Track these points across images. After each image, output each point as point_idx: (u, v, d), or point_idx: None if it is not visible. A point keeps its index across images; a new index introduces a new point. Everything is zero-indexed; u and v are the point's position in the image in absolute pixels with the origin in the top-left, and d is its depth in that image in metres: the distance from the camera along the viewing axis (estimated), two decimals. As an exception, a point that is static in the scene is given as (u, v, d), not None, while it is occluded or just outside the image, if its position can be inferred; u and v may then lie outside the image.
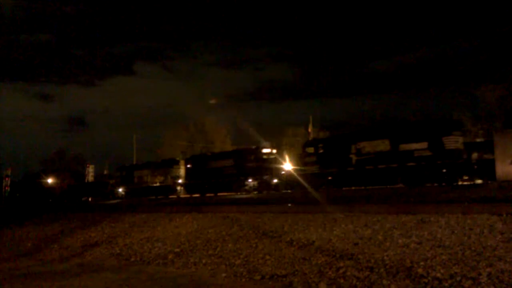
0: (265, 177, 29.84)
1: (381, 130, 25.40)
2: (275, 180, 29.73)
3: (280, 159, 31.94)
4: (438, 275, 6.36)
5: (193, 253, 10.40)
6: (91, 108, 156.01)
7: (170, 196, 34.90)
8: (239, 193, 29.61)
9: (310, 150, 27.63)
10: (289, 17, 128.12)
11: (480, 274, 6.14)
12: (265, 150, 31.26)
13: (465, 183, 20.95)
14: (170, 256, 10.52)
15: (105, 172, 57.70)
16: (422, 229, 8.87)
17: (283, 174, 30.13)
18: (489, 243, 7.43)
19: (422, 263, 6.94)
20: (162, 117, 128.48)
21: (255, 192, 28.93)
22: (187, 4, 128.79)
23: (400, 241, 8.35)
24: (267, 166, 30.15)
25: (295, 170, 28.63)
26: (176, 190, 36.43)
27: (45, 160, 68.70)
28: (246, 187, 30.23)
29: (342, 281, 6.88)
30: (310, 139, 38.19)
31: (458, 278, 6.13)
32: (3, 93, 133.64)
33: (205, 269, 9.06)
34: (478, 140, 23.98)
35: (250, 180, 30.20)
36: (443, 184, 20.42)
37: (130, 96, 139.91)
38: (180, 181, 36.64)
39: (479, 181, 21.21)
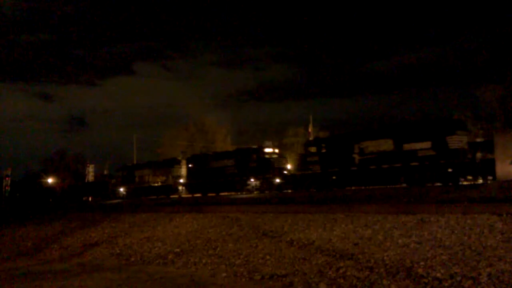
0: (267, 176, 29.77)
1: (385, 130, 25.19)
2: (278, 180, 29.66)
3: (282, 158, 31.89)
4: (438, 275, 6.36)
5: (193, 253, 10.40)
6: (91, 108, 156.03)
7: (172, 196, 34.87)
8: (239, 193, 29.55)
9: (313, 149, 27.45)
10: (290, 17, 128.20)
11: (480, 274, 6.14)
12: (267, 150, 31.14)
13: (466, 183, 20.91)
14: (170, 256, 10.53)
15: (105, 172, 57.60)
16: (422, 229, 8.88)
17: (285, 173, 30.06)
18: (489, 243, 7.43)
19: (422, 263, 6.95)
20: (162, 117, 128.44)
21: (257, 192, 28.86)
22: (187, 4, 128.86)
23: (400, 241, 8.35)
24: (269, 166, 30.06)
25: (297, 169, 28.55)
26: (178, 189, 36.37)
27: (46, 159, 68.66)
28: (248, 187, 30.10)
29: (342, 281, 6.88)
30: (310, 138, 38.12)
31: (458, 278, 6.13)
32: (3, 93, 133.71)
33: (205, 269, 9.07)
34: (478, 140, 23.88)
35: (252, 179, 30.10)
36: (450, 184, 20.33)
37: (130, 96, 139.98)
38: (181, 180, 36.58)
39: (479, 181, 21.18)
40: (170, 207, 18.74)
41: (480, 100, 36.74)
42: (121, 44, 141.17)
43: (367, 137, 24.75)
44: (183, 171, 36.58)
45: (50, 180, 54.42)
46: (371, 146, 24.19)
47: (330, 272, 7.31)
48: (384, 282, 6.49)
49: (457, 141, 21.19)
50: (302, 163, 27.95)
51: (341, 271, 7.26)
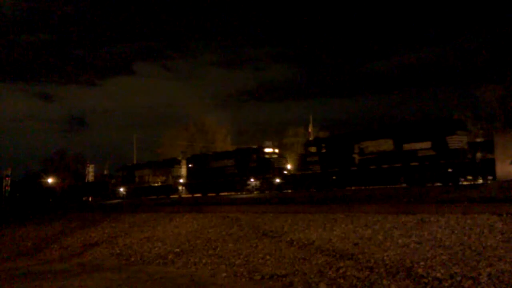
0: (267, 176, 29.74)
1: (385, 130, 25.17)
2: (278, 180, 29.63)
3: (282, 158, 31.87)
4: (438, 275, 6.36)
5: (193, 253, 10.40)
6: (91, 108, 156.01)
7: (172, 196, 34.86)
8: (239, 193, 29.54)
9: (313, 149, 27.42)
10: (290, 17, 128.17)
11: (480, 274, 6.14)
12: (267, 150, 31.11)
13: (466, 183, 20.90)
14: (170, 256, 10.53)
15: (105, 172, 57.58)
16: (422, 229, 8.88)
17: (285, 173, 30.04)
18: (489, 243, 7.43)
19: (422, 263, 6.95)
20: (162, 117, 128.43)
21: (257, 192, 28.84)
22: (187, 4, 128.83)
23: (400, 241, 8.35)
24: (269, 166, 30.03)
25: (297, 169, 28.53)
26: (178, 189, 36.36)
27: (46, 159, 68.63)
28: (248, 187, 30.07)
29: (342, 281, 6.88)
30: (310, 138, 38.09)
31: (458, 278, 6.13)
32: (3, 93, 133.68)
33: (205, 269, 9.07)
34: (478, 140, 23.86)
35: (252, 179, 30.08)
36: (450, 184, 20.31)
37: (130, 96, 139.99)
38: (181, 180, 36.57)
39: (479, 181, 21.16)
40: (170, 207, 18.74)
41: (480, 100, 36.74)
42: (121, 44, 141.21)
43: (367, 137, 24.75)
44: (183, 171, 36.56)
45: (50, 180, 54.42)
46: (371, 146, 24.19)
47: (330, 272, 7.31)
48: (384, 282, 6.49)
49: (457, 141, 21.18)
50: (302, 163, 27.93)
51: (341, 271, 7.26)
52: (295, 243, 9.52)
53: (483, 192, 13.54)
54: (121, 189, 41.67)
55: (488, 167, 20.24)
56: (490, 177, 20.68)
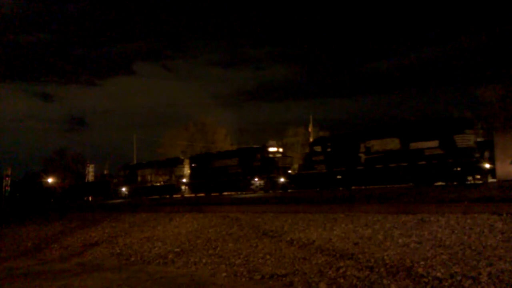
0: (272, 176, 29.56)
1: (391, 128, 24.91)
2: (282, 179, 29.45)
3: (286, 158, 31.71)
4: (438, 274, 6.36)
5: (193, 252, 10.40)
6: (91, 108, 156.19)
7: (175, 196, 34.74)
8: (244, 193, 29.34)
9: (318, 148, 27.19)
10: (290, 17, 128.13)
11: (480, 273, 6.14)
12: (271, 149, 30.93)
13: (473, 182, 20.71)
14: (170, 256, 10.52)
15: (105, 171, 57.64)
16: (422, 228, 8.88)
17: (290, 173, 29.88)
18: (489, 243, 7.43)
19: (422, 262, 6.94)
20: (162, 117, 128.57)
21: (261, 192, 28.67)
22: (187, 4, 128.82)
23: (400, 240, 8.35)
24: (274, 165, 29.86)
25: (302, 169, 28.35)
26: (181, 189, 36.17)
27: (46, 159, 68.62)
28: (252, 187, 29.90)
29: (342, 280, 6.88)
30: (311, 139, 38.04)
31: (458, 278, 6.13)
32: (3, 93, 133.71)
33: (205, 268, 9.06)
34: (478, 139, 23.82)
35: (256, 179, 29.92)
36: (455, 183, 20.19)
37: (130, 96, 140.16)
38: (184, 180, 36.39)
39: (490, 180, 21.03)
40: (170, 207, 18.73)
41: (480, 100, 36.77)
42: (121, 44, 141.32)
43: (373, 136, 24.47)
44: (186, 170, 36.41)
45: (50, 180, 54.47)
46: (377, 145, 23.95)
47: (330, 272, 7.31)
48: (384, 281, 6.49)
49: (465, 139, 20.95)
50: (307, 162, 27.71)
51: (341, 270, 7.26)
52: (295, 242, 9.52)
53: (483, 192, 13.54)
54: (123, 189, 41.59)
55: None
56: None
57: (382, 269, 6.96)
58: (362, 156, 24.27)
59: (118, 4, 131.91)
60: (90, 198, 46.12)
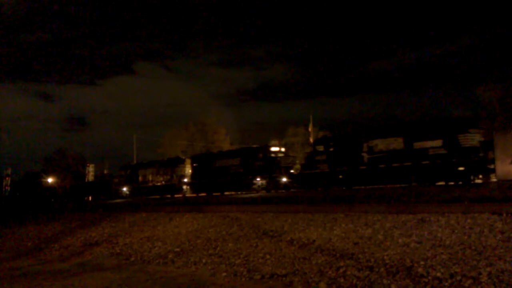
0: (274, 175, 29.42)
1: (394, 128, 24.62)
2: (284, 179, 29.31)
3: (289, 157, 31.58)
4: (438, 274, 6.36)
5: (193, 252, 10.39)
6: (91, 108, 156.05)
7: (176, 196, 34.61)
8: (245, 193, 29.21)
9: (320, 148, 26.95)
10: (289, 17, 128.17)
11: (480, 273, 6.14)
12: (273, 149, 30.73)
13: (477, 181, 20.57)
14: (170, 256, 10.52)
15: (105, 171, 57.60)
16: (422, 228, 8.87)
17: (292, 172, 29.75)
18: (489, 243, 7.43)
19: (422, 262, 6.94)
20: (162, 117, 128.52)
21: (264, 191, 28.54)
22: (187, 4, 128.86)
23: (400, 240, 8.35)
24: (276, 165, 29.70)
25: (304, 168, 28.20)
26: (182, 189, 36.01)
27: (46, 159, 68.56)
28: (254, 186, 29.71)
29: (342, 280, 6.87)
30: (313, 138, 37.94)
31: (458, 278, 6.13)
32: (3, 93, 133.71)
33: (205, 268, 9.06)
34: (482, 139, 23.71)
35: (258, 179, 29.74)
36: (460, 183, 20.06)
37: (130, 96, 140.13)
38: (186, 180, 36.21)
39: (478, 181, 21.00)
40: (170, 207, 18.73)
41: (480, 100, 36.76)
42: (121, 44, 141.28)
43: (376, 135, 24.20)
44: (188, 170, 36.25)
45: (50, 180, 54.43)
46: (381, 144, 23.71)
47: (330, 272, 7.31)
48: (384, 281, 6.49)
49: (469, 139, 20.78)
50: (309, 162, 27.52)
51: (341, 270, 7.26)
52: (295, 242, 9.52)
53: (483, 192, 13.53)
54: (124, 189, 41.46)
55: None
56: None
57: (382, 269, 6.96)
58: (365, 155, 24.08)
59: (118, 4, 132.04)
60: (90, 198, 46.07)
